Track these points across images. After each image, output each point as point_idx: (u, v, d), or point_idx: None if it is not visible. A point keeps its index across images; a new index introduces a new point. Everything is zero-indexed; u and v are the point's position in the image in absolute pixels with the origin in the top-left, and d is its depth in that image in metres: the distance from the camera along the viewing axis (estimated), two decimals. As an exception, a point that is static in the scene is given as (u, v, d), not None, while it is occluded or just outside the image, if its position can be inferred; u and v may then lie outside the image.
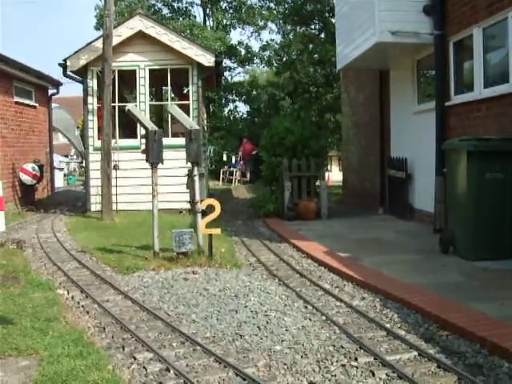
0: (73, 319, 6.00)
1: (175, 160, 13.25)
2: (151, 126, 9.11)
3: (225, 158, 30.79)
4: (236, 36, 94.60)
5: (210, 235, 8.83)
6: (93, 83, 15.68)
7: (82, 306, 6.60)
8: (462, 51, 10.46)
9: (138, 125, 13.80)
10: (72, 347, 4.97)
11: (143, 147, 9.42)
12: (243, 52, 37.71)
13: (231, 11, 37.47)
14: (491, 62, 9.68)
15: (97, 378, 4.32)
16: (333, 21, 27.12)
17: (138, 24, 15.34)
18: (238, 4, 36.71)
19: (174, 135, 16.02)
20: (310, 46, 32.97)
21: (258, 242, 10.72)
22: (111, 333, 5.58)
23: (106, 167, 14.36)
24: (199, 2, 37.24)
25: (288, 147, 14.15)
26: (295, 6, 32.26)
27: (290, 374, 4.48)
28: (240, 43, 37.52)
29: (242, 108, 77.84)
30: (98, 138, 15.40)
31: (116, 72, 15.34)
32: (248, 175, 29.45)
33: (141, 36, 15.46)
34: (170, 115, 14.41)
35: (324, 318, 5.89)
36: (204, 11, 37.79)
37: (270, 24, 38.25)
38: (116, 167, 14.96)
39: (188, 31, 30.98)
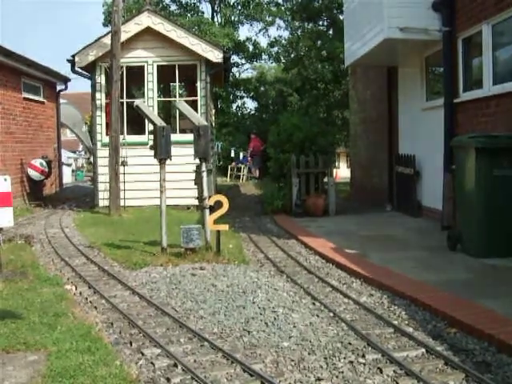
0: (81, 314, 6.02)
1: (183, 156, 13.25)
2: (159, 122, 9.11)
3: (233, 155, 30.77)
4: (244, 32, 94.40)
5: (218, 231, 8.84)
6: (101, 79, 15.71)
7: (90, 302, 6.62)
8: (470, 48, 10.41)
9: (146, 121, 13.83)
10: (80, 342, 4.99)
11: (151, 143, 9.44)
12: (251, 48, 37.67)
13: (239, 7, 37.42)
14: (500, 59, 9.63)
15: (105, 373, 4.34)
16: (341, 17, 27.04)
17: (146, 20, 15.36)
18: (245, 0, 36.64)
19: (182, 131, 16.04)
20: (318, 42, 32.90)
21: (265, 239, 10.72)
22: (119, 328, 5.60)
23: (114, 163, 14.40)
24: (207, -2, 37.25)
25: (296, 144, 14.12)
26: (303, 2, 32.18)
27: (298, 371, 4.48)
28: (248, 39, 37.48)
29: (250, 104, 77.75)
30: (106, 134, 15.44)
31: (124, 68, 15.34)
32: (257, 172, 29.42)
33: (149, 32, 15.48)
34: (177, 111, 14.42)
35: (332, 314, 5.89)
36: (212, 7, 37.77)
37: (277, 20, 38.18)
38: (124, 163, 14.98)
39: (196, 27, 30.96)
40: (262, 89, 38.79)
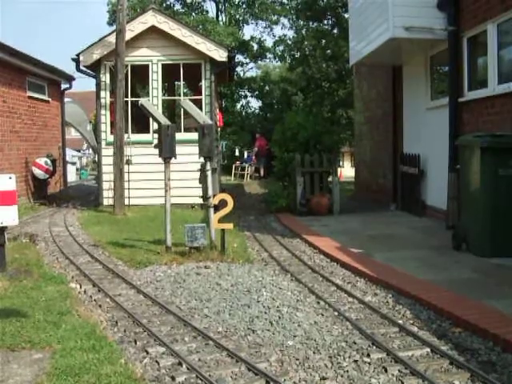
0: (85, 313, 6.02)
1: (188, 155, 13.23)
2: (164, 121, 9.11)
3: (237, 153, 30.80)
4: (249, 31, 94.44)
5: (223, 230, 8.83)
6: (105, 78, 15.73)
7: (95, 300, 6.62)
8: (476, 47, 10.39)
9: (151, 119, 13.82)
10: (85, 340, 4.99)
11: (156, 142, 9.44)
12: (256, 47, 37.67)
13: (244, 6, 37.42)
14: (506, 58, 9.60)
15: (109, 372, 4.34)
16: (346, 16, 27.02)
17: (150, 19, 15.37)
18: (251, -2, 36.66)
19: (187, 130, 16.04)
20: (323, 41, 32.89)
21: (270, 238, 10.71)
22: (123, 327, 5.60)
23: (118, 162, 14.40)
24: (212, -3, 37.25)
25: (300, 142, 14.12)
26: (308, 1, 32.14)
27: (303, 370, 4.47)
28: (253, 38, 37.47)
29: (255, 103, 77.85)
30: (111, 133, 15.45)
31: (129, 67, 15.37)
32: (262, 171, 29.46)
33: (153, 31, 15.49)
34: (182, 110, 14.43)
35: (336, 313, 5.88)
36: (217, 6, 37.78)
37: (282, 19, 38.21)
38: (128, 162, 15.00)
39: (200, 26, 30.97)
40: (267, 88, 38.81)
